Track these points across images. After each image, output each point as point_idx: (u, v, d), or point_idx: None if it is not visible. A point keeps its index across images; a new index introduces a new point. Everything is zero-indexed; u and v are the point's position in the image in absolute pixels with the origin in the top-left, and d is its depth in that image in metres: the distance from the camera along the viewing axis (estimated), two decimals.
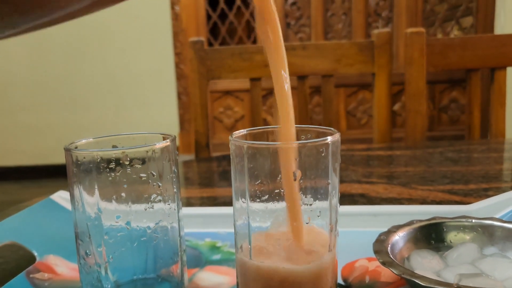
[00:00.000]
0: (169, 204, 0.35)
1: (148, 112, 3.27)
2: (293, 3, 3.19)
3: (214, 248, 0.51)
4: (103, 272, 0.35)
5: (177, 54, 3.22)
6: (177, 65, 3.24)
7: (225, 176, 0.87)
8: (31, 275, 0.44)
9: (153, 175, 0.33)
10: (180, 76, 3.25)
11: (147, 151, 0.33)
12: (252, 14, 3.24)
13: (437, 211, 0.48)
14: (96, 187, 0.33)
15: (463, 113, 3.16)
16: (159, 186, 0.34)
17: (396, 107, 3.10)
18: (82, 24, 3.23)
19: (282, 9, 3.18)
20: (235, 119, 3.34)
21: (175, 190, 0.36)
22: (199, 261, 0.48)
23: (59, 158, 3.46)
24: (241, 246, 0.34)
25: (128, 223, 0.33)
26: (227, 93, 3.27)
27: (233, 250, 0.50)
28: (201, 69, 1.13)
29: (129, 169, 0.33)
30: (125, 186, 0.33)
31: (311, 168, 0.32)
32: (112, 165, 0.32)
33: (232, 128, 3.34)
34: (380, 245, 0.39)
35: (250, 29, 3.33)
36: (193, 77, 1.13)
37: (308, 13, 3.18)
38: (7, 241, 0.47)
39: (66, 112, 3.41)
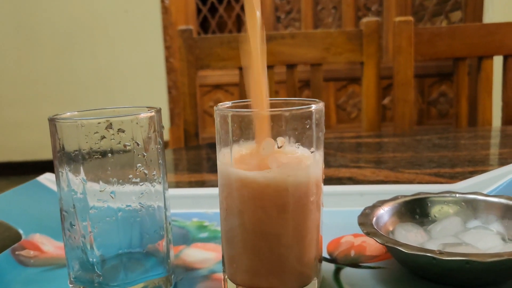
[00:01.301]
0: (154, 175, 0.35)
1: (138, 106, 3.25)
2: None
3: (201, 227, 0.51)
4: (88, 245, 0.34)
5: (167, 47, 3.20)
6: (167, 59, 3.22)
7: (213, 163, 0.87)
8: (16, 252, 0.44)
9: (138, 145, 0.33)
10: (170, 70, 3.23)
11: (131, 120, 0.33)
12: (242, 8, 3.23)
13: (423, 190, 0.49)
14: (80, 157, 0.33)
15: (452, 106, 3.18)
16: (144, 156, 0.34)
17: (386, 101, 3.11)
18: (70, 18, 3.20)
19: (272, 3, 3.18)
20: None
21: (160, 161, 0.36)
22: (186, 239, 0.48)
23: (47, 154, 3.43)
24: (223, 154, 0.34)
25: (113, 192, 0.33)
26: (217, 87, 3.26)
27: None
28: (189, 57, 1.13)
29: (113, 138, 0.32)
30: (110, 155, 0.33)
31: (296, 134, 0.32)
32: (97, 134, 0.32)
33: None
34: (365, 218, 0.40)
35: (240, 23, 3.33)
36: (181, 66, 1.13)
37: (298, 7, 3.18)
38: None
39: (55, 108, 3.38)
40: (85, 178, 0.33)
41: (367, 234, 0.37)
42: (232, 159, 0.33)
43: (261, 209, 0.32)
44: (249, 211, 0.33)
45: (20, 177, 3.46)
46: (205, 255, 0.44)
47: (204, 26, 3.32)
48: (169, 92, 3.27)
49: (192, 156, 0.94)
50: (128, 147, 0.33)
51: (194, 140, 1.13)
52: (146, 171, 0.34)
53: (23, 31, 3.24)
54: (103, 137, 0.32)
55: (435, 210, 0.44)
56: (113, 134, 0.32)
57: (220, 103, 0.36)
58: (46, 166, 2.95)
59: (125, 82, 3.27)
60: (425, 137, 0.98)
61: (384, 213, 0.42)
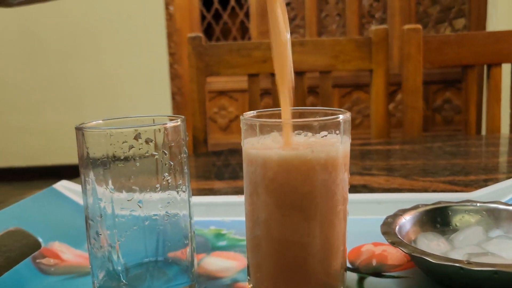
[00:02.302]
0: (180, 185, 0.35)
1: (142, 112, 3.26)
2: (287, 4, 3.20)
3: (219, 235, 0.51)
4: (114, 254, 0.34)
5: (171, 54, 3.21)
6: (171, 65, 3.23)
7: (223, 170, 0.87)
8: (37, 260, 0.44)
9: (165, 154, 0.33)
10: (174, 76, 3.24)
11: (159, 129, 0.33)
12: (246, 14, 3.24)
13: (440, 198, 0.48)
14: (108, 166, 0.33)
15: (457, 113, 3.18)
16: (171, 165, 0.34)
17: (390, 107, 3.12)
18: (75, 24, 3.21)
19: None
20: (229, 119, 3.34)
21: (185, 170, 0.36)
22: (205, 247, 0.48)
23: (50, 159, 3.44)
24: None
25: (140, 201, 0.33)
26: (222, 93, 3.27)
27: (239, 237, 0.50)
28: (199, 64, 1.13)
29: (141, 148, 0.33)
30: (137, 164, 0.33)
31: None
32: (125, 144, 0.32)
33: (226, 128, 3.34)
34: (388, 227, 0.40)
35: (244, 30, 3.34)
36: (191, 72, 1.13)
37: (302, 14, 3.19)
38: (11, 227, 0.47)
39: (58, 113, 3.39)
40: (112, 187, 0.33)
41: (392, 243, 0.36)
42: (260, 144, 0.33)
43: (288, 217, 0.32)
44: (275, 216, 0.33)
45: (23, 182, 3.46)
46: (226, 264, 0.44)
47: (208, 32, 3.33)
48: (173, 99, 3.27)
49: (202, 163, 0.94)
50: (155, 156, 0.33)
51: (203, 146, 1.13)
52: (172, 180, 0.34)
53: (27, 37, 3.25)
54: (131, 147, 0.32)
55: (456, 219, 0.44)
56: (141, 143, 0.32)
57: (245, 113, 0.36)
58: (48, 172, 2.93)
59: (130, 88, 3.28)
60: (435, 144, 0.98)
61: (405, 222, 0.42)
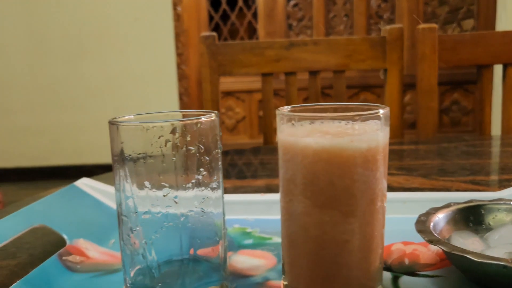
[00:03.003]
0: (215, 180, 0.34)
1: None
2: (295, 5, 3.20)
3: (244, 234, 0.50)
4: (148, 250, 0.34)
5: (179, 55, 3.21)
6: (178, 66, 3.23)
7: (240, 169, 0.86)
8: (63, 258, 0.43)
9: (201, 149, 0.33)
10: (181, 77, 3.24)
11: (196, 124, 0.32)
12: (254, 15, 3.24)
13: (466, 197, 0.48)
14: (143, 161, 0.32)
15: (464, 115, 3.17)
16: (206, 160, 0.33)
17: None
18: (82, 25, 3.22)
19: (284, 10, 3.18)
20: (236, 120, 3.33)
21: (219, 166, 0.35)
22: (231, 245, 0.47)
23: (56, 160, 3.44)
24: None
25: (175, 197, 0.33)
26: (228, 94, 3.27)
27: (265, 236, 0.49)
28: (212, 64, 1.13)
29: (178, 142, 0.32)
30: (173, 159, 0.32)
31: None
32: (162, 138, 0.32)
33: (233, 129, 3.33)
34: (423, 225, 0.39)
35: (251, 30, 3.33)
36: (204, 72, 1.13)
37: (310, 15, 3.18)
38: (36, 225, 0.46)
39: (65, 114, 3.39)
40: (148, 182, 0.32)
41: (430, 242, 0.36)
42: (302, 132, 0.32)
43: (326, 212, 0.32)
44: (312, 211, 0.32)
45: (29, 182, 3.47)
46: (254, 262, 0.43)
47: (215, 33, 3.33)
48: (181, 99, 3.27)
49: None
50: (191, 151, 0.32)
51: None
52: (208, 176, 0.34)
53: (34, 37, 3.26)
54: (167, 141, 0.32)
55: (489, 218, 0.43)
56: (177, 138, 0.32)
57: (280, 107, 0.35)
58: (54, 172, 2.93)
59: (137, 89, 3.28)
60: (451, 144, 0.98)
61: (439, 220, 0.41)
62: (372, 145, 0.31)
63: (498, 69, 1.19)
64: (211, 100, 1.13)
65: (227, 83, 3.16)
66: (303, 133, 0.32)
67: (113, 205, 0.56)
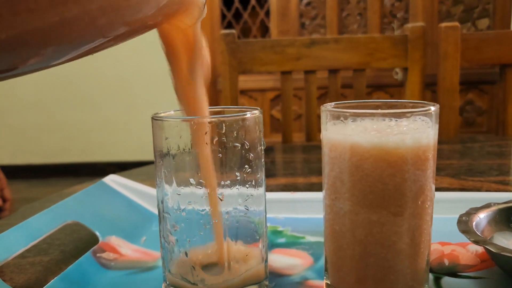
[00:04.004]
0: (258, 177, 0.34)
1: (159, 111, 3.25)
2: (308, 3, 3.18)
3: (276, 232, 0.50)
4: (189, 247, 0.33)
5: None
6: None
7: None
8: (97, 255, 0.43)
9: (246, 145, 0.32)
10: None
11: (241, 120, 0.32)
12: (266, 14, 3.23)
13: (500, 198, 0.47)
14: (187, 157, 0.32)
15: (478, 115, 3.14)
16: (251, 157, 0.33)
17: None
18: None
19: (297, 8, 3.17)
20: None
21: (262, 164, 0.35)
22: None
23: (68, 157, 3.46)
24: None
25: (220, 194, 0.32)
26: (241, 92, 3.26)
27: (297, 234, 0.49)
28: (232, 61, 1.12)
29: (224, 138, 0.31)
30: (219, 156, 0.32)
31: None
32: (207, 134, 0.31)
33: None
34: (466, 226, 0.38)
35: (264, 29, 3.33)
36: (224, 70, 1.12)
37: (323, 13, 3.17)
38: (69, 221, 0.46)
39: (76, 111, 3.41)
40: (193, 179, 0.32)
41: (476, 242, 0.35)
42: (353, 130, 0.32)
43: (375, 212, 0.31)
44: (361, 212, 0.31)
45: (41, 180, 3.49)
46: (290, 261, 0.42)
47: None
48: None
49: None
50: (237, 148, 0.32)
51: None
52: (252, 173, 0.33)
53: None
54: (213, 137, 0.31)
55: None
56: (223, 133, 0.31)
57: (325, 104, 0.34)
58: (65, 170, 2.94)
59: (149, 87, 3.28)
60: (475, 144, 0.96)
61: (480, 220, 0.40)
62: (423, 143, 0.31)
63: None
64: (230, 98, 1.13)
65: (239, 82, 3.15)
66: (352, 130, 0.31)
67: (141, 202, 0.56)
